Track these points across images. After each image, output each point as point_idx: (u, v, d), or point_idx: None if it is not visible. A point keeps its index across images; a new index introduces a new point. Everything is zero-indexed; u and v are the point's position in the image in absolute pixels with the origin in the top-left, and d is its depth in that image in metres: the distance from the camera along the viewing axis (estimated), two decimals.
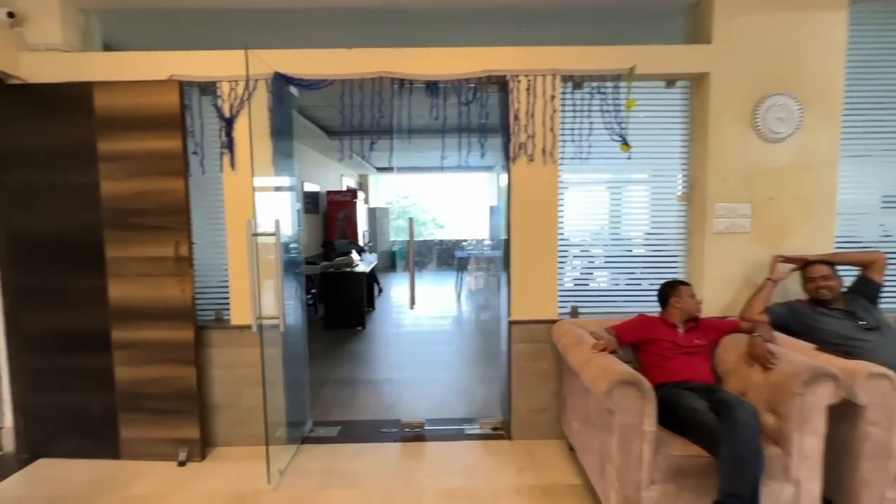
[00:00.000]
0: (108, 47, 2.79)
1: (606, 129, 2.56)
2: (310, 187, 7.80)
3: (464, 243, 8.97)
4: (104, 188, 2.39)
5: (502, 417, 2.84)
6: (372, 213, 10.90)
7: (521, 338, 2.62)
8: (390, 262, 11.74)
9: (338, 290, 5.51)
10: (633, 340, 2.25)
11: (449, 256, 11.80)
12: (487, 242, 7.85)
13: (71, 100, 2.37)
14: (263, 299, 2.23)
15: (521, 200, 2.56)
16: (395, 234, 12.81)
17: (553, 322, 2.58)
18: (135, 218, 2.39)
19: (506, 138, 2.59)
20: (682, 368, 2.08)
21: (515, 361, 2.63)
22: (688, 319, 2.27)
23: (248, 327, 2.52)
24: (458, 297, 7.41)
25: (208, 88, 2.52)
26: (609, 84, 2.54)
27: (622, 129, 2.54)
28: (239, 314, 2.59)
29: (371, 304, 6.48)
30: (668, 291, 2.32)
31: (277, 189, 2.60)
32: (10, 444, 2.61)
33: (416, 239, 12.43)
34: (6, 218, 2.46)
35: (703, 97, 2.56)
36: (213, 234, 2.62)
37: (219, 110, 2.50)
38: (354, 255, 6.03)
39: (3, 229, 2.46)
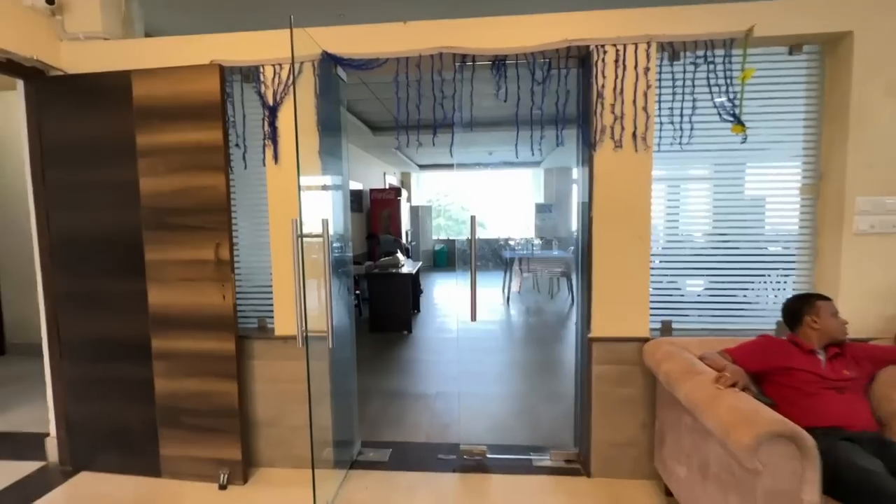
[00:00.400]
0: (150, 35, 2.62)
1: (716, 107, 2.09)
2: (353, 185, 7.65)
3: (511, 243, 8.54)
4: (143, 185, 2.20)
5: (577, 449, 2.44)
6: (414, 211, 10.68)
7: (604, 358, 2.21)
8: (432, 261, 11.50)
9: (383, 291, 5.27)
10: (759, 369, 1.79)
11: (494, 256, 11.39)
12: (537, 242, 7.40)
13: (109, 90, 2.20)
14: (310, 308, 1.96)
15: (606, 194, 2.15)
16: (437, 232, 12.56)
17: (643, 340, 2.15)
18: (173, 217, 2.19)
19: (586, 121, 2.19)
20: (834, 409, 1.61)
21: (597, 386, 2.22)
22: (829, 344, 1.78)
23: (293, 338, 2.27)
24: (507, 300, 7.01)
25: (251, 75, 2.28)
26: (718, 52, 2.08)
27: (735, 106, 2.07)
28: (283, 323, 2.35)
29: (416, 306, 6.21)
30: (800, 308, 1.84)
31: (324, 188, 2.33)
32: (54, 454, 2.50)
33: (455, 238, 12.14)
34: (47, 216, 2.33)
35: (841, 63, 2.05)
36: (258, 235, 2.40)
37: (262, 97, 2.26)
38: (400, 255, 5.77)
39: (45, 229, 2.34)
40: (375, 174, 9.24)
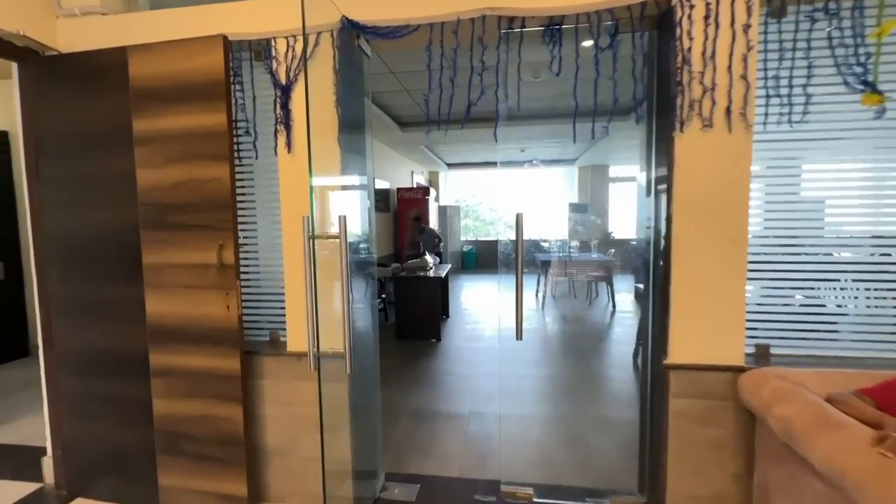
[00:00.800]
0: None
1: (841, 73, 1.63)
2: (380, 184, 7.38)
3: (544, 244, 8.07)
4: (140, 178, 1.93)
5: (645, 497, 2.01)
6: (442, 211, 10.34)
7: (685, 390, 1.77)
8: (460, 263, 11.14)
9: (411, 296, 4.93)
10: None
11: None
12: (574, 244, 6.90)
13: (104, 70, 1.94)
14: (326, 320, 1.63)
15: (690, 186, 1.71)
16: (465, 233, 12.18)
17: (738, 370, 1.71)
18: (173, 215, 1.90)
19: (664, 96, 1.76)
20: None
21: (675, 423, 1.79)
22: None
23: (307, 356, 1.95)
24: (542, 305, 6.55)
25: (262, 52, 1.98)
26: (844, 3, 1.61)
27: (868, 71, 1.60)
28: (297, 338, 2.03)
29: (445, 312, 5.85)
30: None
31: (344, 187, 2.00)
32: (50, 476, 2.27)
33: (483, 239, 11.68)
34: (41, 213, 2.09)
35: None
36: (276, 234, 2.09)
37: (273, 75, 1.94)
38: (428, 257, 5.43)
39: (39, 227, 2.10)
40: (403, 173, 8.96)
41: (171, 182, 1.89)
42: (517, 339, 1.93)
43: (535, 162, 10.22)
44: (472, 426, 2.86)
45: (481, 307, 6.67)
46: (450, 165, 11.20)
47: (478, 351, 4.50)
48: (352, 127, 2.00)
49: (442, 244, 7.89)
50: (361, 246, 2.18)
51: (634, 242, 7.93)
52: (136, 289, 1.98)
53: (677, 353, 1.77)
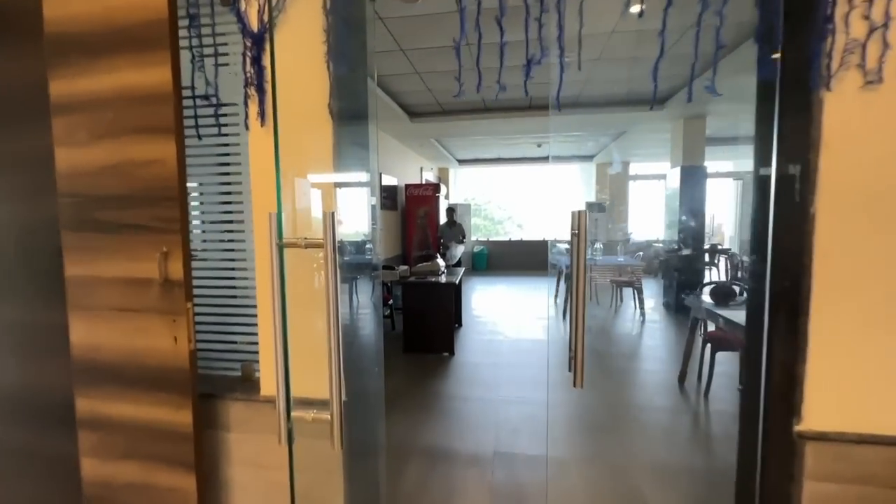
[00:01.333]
0: None
1: None
2: (387, 180, 6.86)
3: (561, 246, 7.50)
4: (59, 159, 1.41)
5: None
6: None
7: (830, 471, 1.22)
8: (471, 264, 10.62)
9: (420, 303, 4.41)
10: None
11: (536, 260, 10.39)
12: (598, 246, 6.33)
13: (13, 13, 1.43)
14: (314, 351, 1.12)
15: (844, 170, 1.16)
16: (474, 232, 11.65)
17: None
18: (102, 210, 1.39)
19: (799, 39, 1.21)
20: None
21: None
22: None
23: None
24: (564, 314, 6.00)
25: None
26: None
27: None
28: (273, 378, 1.51)
29: (458, 320, 5.32)
30: None
31: (338, 184, 1.48)
32: None
33: (494, 239, 11.26)
34: None
35: None
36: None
37: (241, 20, 1.42)
38: (439, 260, 4.90)
39: None
40: (412, 168, 8.44)
41: (98, 165, 1.37)
42: (575, 385, 1.39)
43: (542, 159, 9.67)
44: (497, 473, 2.32)
45: (497, 314, 6.13)
46: (460, 161, 10.66)
47: (497, 368, 3.96)
48: (347, 94, 1.47)
49: (465, 239, 7.55)
50: (367, 247, 1.70)
51: (662, 244, 7.35)
52: (55, 311, 1.46)
53: (817, 415, 1.22)
